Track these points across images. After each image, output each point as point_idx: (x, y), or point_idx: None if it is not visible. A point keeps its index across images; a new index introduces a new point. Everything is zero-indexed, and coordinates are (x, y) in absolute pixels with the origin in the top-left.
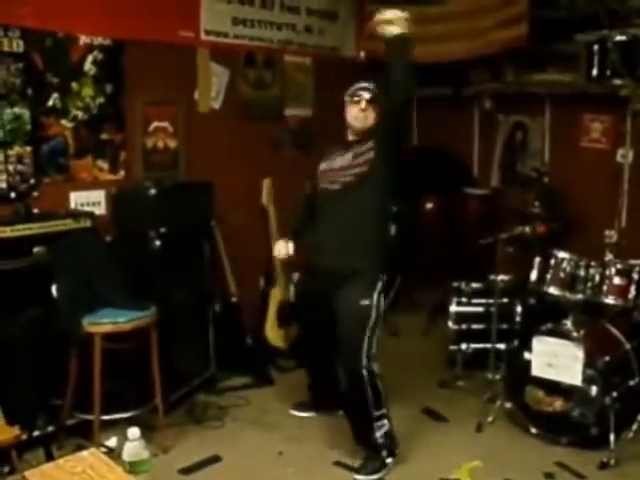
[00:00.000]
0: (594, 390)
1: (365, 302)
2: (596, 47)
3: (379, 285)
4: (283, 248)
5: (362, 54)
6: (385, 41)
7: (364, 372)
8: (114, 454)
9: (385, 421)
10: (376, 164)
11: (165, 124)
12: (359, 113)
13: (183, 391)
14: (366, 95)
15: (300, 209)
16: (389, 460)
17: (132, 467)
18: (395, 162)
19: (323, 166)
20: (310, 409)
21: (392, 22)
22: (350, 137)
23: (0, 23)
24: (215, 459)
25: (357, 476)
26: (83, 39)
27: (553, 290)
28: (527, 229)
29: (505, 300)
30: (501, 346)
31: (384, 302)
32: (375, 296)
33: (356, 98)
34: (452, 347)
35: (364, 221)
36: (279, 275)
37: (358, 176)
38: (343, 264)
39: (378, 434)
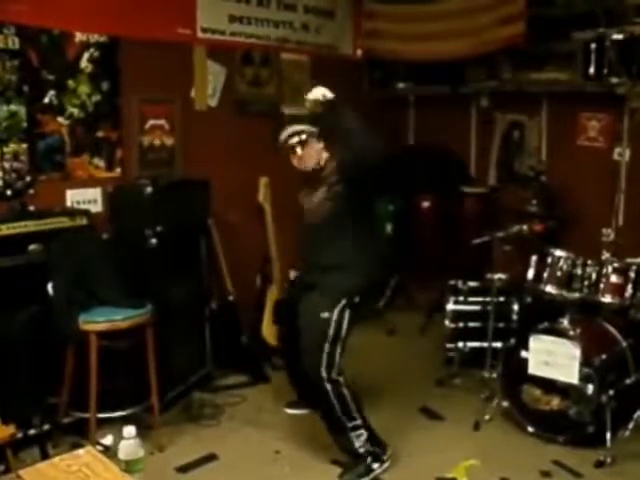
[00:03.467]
0: (591, 388)
1: (324, 315)
2: (593, 45)
3: (343, 301)
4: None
5: (359, 52)
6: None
7: (327, 385)
8: (110, 452)
9: (361, 431)
10: (343, 198)
11: (162, 122)
12: (298, 161)
13: (179, 389)
14: (295, 140)
15: None
16: (375, 465)
17: (127, 466)
18: (361, 188)
19: (305, 205)
20: (303, 406)
21: (325, 97)
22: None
23: None
24: (211, 457)
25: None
26: (79, 36)
27: (550, 288)
28: (524, 227)
29: (502, 299)
30: (498, 344)
31: (348, 319)
32: (336, 311)
33: (289, 144)
34: (449, 345)
35: (333, 244)
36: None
37: (329, 209)
38: (311, 278)
39: (357, 444)
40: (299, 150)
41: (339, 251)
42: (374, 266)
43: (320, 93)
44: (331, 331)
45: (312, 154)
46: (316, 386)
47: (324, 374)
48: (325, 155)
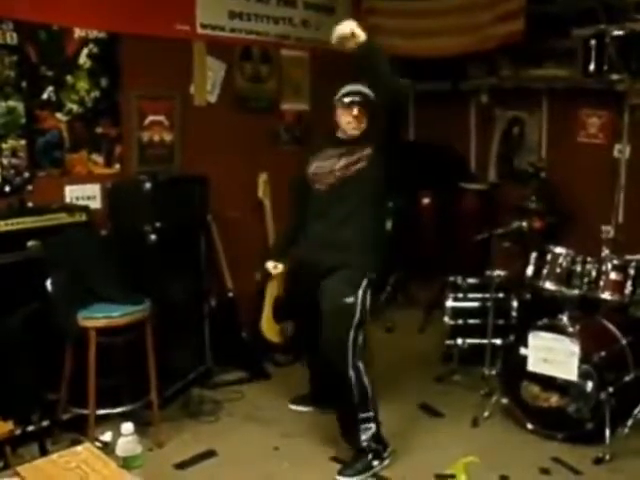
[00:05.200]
0: (590, 385)
1: (349, 300)
2: (593, 42)
3: (364, 282)
4: (273, 269)
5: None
6: (354, 55)
7: (351, 372)
8: (109, 449)
9: (372, 424)
10: (368, 169)
11: (161, 118)
12: (352, 120)
13: (178, 386)
14: (358, 99)
15: (291, 222)
16: (375, 463)
17: (126, 462)
18: (385, 164)
19: (314, 167)
20: (308, 404)
21: (353, 33)
22: (340, 135)
23: None
24: (210, 454)
25: (338, 476)
26: (78, 32)
27: (549, 285)
28: (524, 224)
29: (501, 295)
30: (497, 341)
31: (369, 300)
32: (360, 293)
33: (347, 101)
34: (448, 342)
35: (353, 219)
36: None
37: (349, 177)
38: (328, 259)
39: (363, 437)
40: (356, 110)
41: (361, 227)
42: (386, 245)
43: (348, 27)
44: (357, 316)
45: (364, 121)
46: (339, 375)
47: (349, 362)
48: (366, 125)
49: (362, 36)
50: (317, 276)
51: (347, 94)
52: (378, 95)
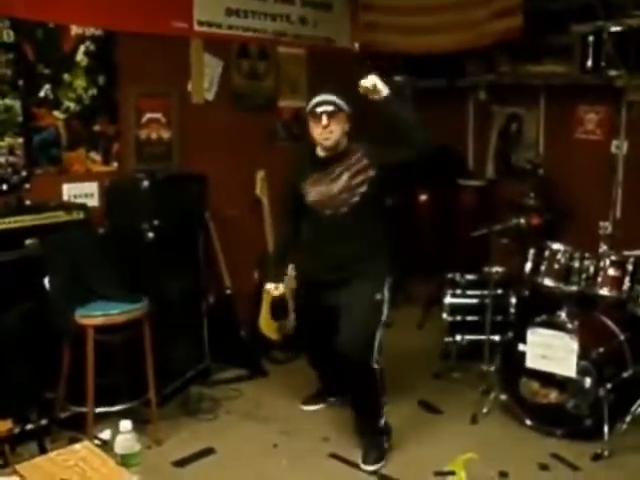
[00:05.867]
0: (588, 382)
1: (378, 297)
2: (591, 38)
3: (388, 280)
4: (274, 290)
5: (356, 45)
6: (380, 106)
7: (375, 365)
8: (108, 447)
9: (386, 408)
10: (375, 184)
11: (158, 115)
12: (322, 130)
13: (177, 383)
14: (328, 109)
15: (284, 236)
16: (386, 445)
17: (124, 460)
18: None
19: (313, 194)
20: (320, 401)
21: (375, 88)
22: (321, 153)
23: None
24: (208, 451)
25: (365, 466)
26: (75, 30)
27: (547, 282)
28: (522, 221)
29: (499, 292)
30: (496, 338)
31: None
32: (386, 291)
33: (318, 111)
34: (447, 339)
35: (365, 236)
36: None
37: (357, 202)
38: (346, 272)
39: (382, 420)
40: (325, 119)
41: (374, 240)
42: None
43: (370, 83)
44: (385, 311)
45: (337, 130)
46: (361, 367)
47: (375, 356)
48: (345, 138)
49: (384, 91)
50: (334, 287)
51: (318, 104)
52: (406, 143)
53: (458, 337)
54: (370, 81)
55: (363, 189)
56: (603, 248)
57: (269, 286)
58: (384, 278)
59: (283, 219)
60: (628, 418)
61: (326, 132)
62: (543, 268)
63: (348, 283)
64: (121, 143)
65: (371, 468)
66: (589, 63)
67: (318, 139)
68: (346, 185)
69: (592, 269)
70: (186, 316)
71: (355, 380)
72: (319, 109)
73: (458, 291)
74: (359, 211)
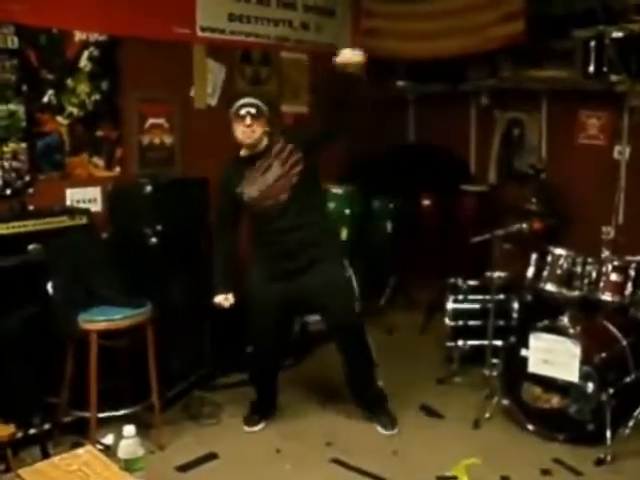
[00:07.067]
0: (591, 387)
1: (348, 274)
2: (593, 43)
3: (345, 261)
4: (224, 301)
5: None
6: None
7: (365, 334)
8: (111, 452)
9: (377, 370)
10: (305, 164)
11: (161, 121)
12: (245, 129)
13: (179, 388)
14: (251, 110)
15: (224, 247)
16: (388, 404)
17: (127, 465)
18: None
19: (254, 190)
20: (260, 422)
21: (351, 60)
22: (244, 153)
23: None
24: (211, 456)
25: (387, 431)
26: (78, 35)
27: (550, 287)
28: (524, 225)
29: (502, 297)
30: (498, 343)
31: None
32: (348, 268)
33: (242, 113)
34: (449, 344)
35: (310, 218)
36: None
37: (295, 185)
38: (303, 259)
39: (379, 383)
40: (248, 119)
41: (320, 223)
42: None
43: (347, 57)
44: (356, 289)
45: (258, 130)
46: (356, 338)
47: (363, 326)
48: (265, 138)
49: (361, 57)
50: (295, 275)
51: (243, 106)
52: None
53: (460, 342)
54: (347, 54)
55: (298, 168)
56: (605, 253)
57: (219, 298)
58: (342, 258)
59: (219, 232)
60: (631, 423)
61: (249, 131)
62: (545, 273)
63: (310, 268)
64: (124, 148)
65: (393, 432)
66: (591, 68)
67: (241, 137)
68: (281, 172)
69: (594, 274)
70: (189, 320)
71: (351, 346)
72: (243, 110)
73: (460, 296)
74: (300, 195)
